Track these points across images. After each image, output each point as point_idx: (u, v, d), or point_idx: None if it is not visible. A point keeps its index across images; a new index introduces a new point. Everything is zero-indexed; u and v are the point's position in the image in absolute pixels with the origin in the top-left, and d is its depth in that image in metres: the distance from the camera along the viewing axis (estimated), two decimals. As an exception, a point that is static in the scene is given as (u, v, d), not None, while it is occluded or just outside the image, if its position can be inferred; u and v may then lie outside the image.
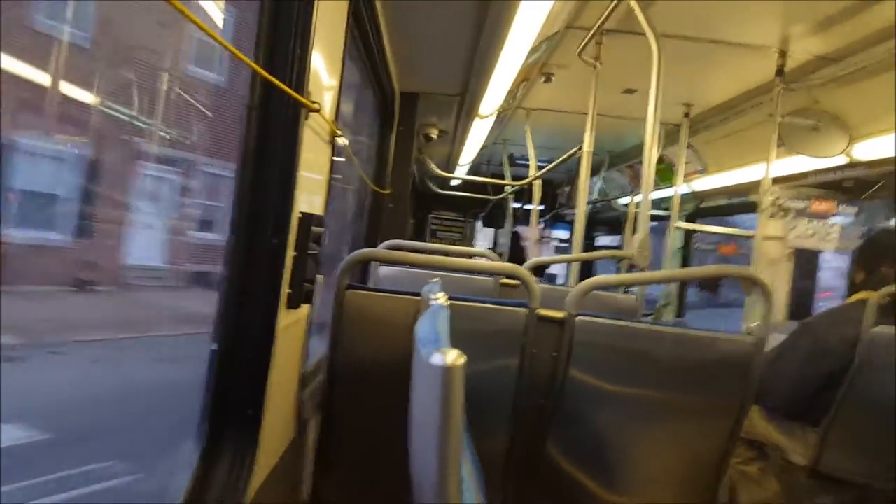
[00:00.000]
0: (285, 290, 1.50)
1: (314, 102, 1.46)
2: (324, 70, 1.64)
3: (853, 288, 2.71)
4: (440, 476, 0.64)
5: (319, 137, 1.66)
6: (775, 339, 2.76)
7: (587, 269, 8.83)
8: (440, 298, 1.36)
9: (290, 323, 1.61)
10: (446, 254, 3.33)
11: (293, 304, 1.56)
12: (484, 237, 11.36)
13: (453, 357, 0.63)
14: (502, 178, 6.85)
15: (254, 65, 1.30)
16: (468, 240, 10.27)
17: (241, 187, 1.40)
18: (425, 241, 9.20)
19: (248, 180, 1.40)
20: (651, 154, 2.71)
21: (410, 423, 0.92)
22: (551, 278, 9.69)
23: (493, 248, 10.67)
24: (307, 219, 1.55)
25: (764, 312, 1.80)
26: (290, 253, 1.50)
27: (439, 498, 0.64)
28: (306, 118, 1.45)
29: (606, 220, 8.97)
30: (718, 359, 1.81)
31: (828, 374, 2.43)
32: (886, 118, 3.25)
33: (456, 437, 0.64)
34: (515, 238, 8.95)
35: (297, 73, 1.40)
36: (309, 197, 1.60)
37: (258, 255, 1.42)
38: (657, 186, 5.76)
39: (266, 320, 1.45)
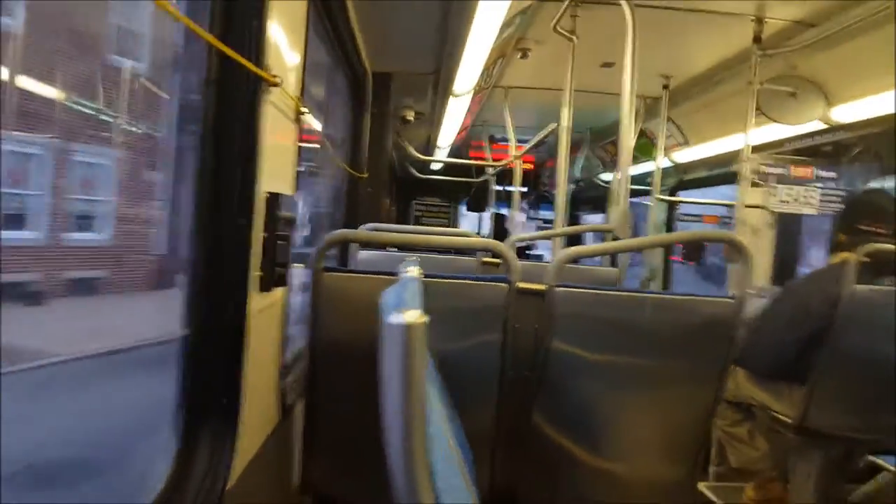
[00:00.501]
0: (256, 272, 1.47)
1: (275, 76, 1.41)
2: (284, 44, 1.59)
3: (835, 249, 2.74)
4: (405, 438, 0.63)
5: (283, 114, 1.62)
6: (760, 305, 2.79)
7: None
8: (412, 271, 1.33)
9: (265, 307, 1.58)
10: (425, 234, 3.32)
11: (265, 286, 1.53)
12: (469, 223, 11.37)
13: (414, 316, 0.62)
14: (484, 159, 6.82)
15: (208, 36, 1.26)
16: (454, 225, 10.27)
17: (202, 165, 1.35)
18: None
19: (209, 158, 1.35)
20: (628, 127, 2.70)
21: (381, 399, 0.90)
22: (540, 259, 9.70)
23: (478, 233, 10.66)
24: (274, 199, 1.51)
25: (743, 273, 1.82)
26: (259, 234, 1.46)
27: (406, 459, 0.62)
28: (267, 92, 1.41)
29: (591, 198, 8.98)
30: (699, 322, 1.82)
31: (810, 333, 2.47)
32: (863, 81, 3.26)
33: (419, 397, 0.63)
34: (498, 220, 8.94)
35: (256, 46, 1.35)
36: (275, 176, 1.56)
37: (224, 236, 1.38)
38: (639, 161, 5.76)
39: (237, 303, 1.41)
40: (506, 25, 2.97)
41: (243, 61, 1.30)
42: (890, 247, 2.42)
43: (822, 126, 3.66)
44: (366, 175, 3.82)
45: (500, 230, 7.90)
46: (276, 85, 1.42)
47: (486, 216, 10.19)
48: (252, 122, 1.37)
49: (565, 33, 3.21)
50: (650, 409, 1.89)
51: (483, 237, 9.52)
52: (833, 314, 2.39)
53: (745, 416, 2.92)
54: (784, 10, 3.06)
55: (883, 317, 2.41)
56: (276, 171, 1.57)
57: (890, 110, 3.19)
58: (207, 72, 1.34)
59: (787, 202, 3.81)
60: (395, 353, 0.62)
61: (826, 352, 2.42)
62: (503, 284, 1.79)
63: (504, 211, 9.59)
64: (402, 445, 0.62)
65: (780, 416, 2.66)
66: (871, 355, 2.44)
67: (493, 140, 7.13)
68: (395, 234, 2.00)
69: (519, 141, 5.61)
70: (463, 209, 10.87)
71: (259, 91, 1.37)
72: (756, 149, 3.71)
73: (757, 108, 3.46)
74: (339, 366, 1.80)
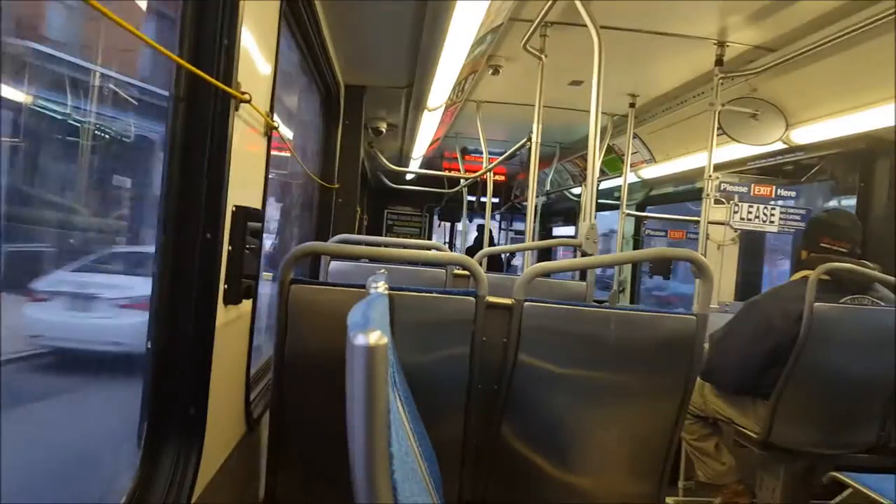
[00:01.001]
0: (222, 285, 1.47)
1: (244, 93, 1.43)
2: (255, 60, 1.61)
3: (797, 266, 2.81)
4: (367, 458, 0.64)
5: (253, 129, 1.64)
6: (725, 320, 2.87)
7: (545, 260, 8.92)
8: (380, 287, 1.35)
9: (231, 319, 1.59)
10: (396, 247, 3.33)
11: (231, 299, 1.54)
12: (441, 235, 11.40)
13: (376, 337, 0.63)
14: (457, 170, 6.87)
15: (176, 58, 1.27)
16: (426, 234, 10.28)
17: (169, 181, 1.36)
18: (382, 237, 9.18)
19: (177, 174, 1.36)
20: (595, 144, 2.75)
21: (347, 418, 0.91)
22: (515, 271, 9.76)
23: (450, 243, 10.69)
24: (242, 212, 1.53)
25: (704, 291, 1.85)
26: (226, 248, 1.47)
27: (368, 479, 0.64)
28: (237, 109, 1.43)
29: (562, 210, 9.09)
30: (662, 337, 1.85)
31: (773, 348, 2.54)
32: (821, 104, 3.38)
33: (381, 418, 0.64)
34: (480, 231, 8.98)
35: (225, 64, 1.37)
36: (244, 190, 1.57)
37: (191, 251, 1.38)
38: (607, 176, 5.86)
39: (202, 317, 1.42)
40: (477, 43, 3.02)
41: (212, 80, 1.31)
42: (849, 265, 2.49)
43: (783, 146, 3.77)
44: (337, 186, 3.83)
45: (479, 241, 7.93)
46: (246, 101, 1.44)
47: (459, 226, 10.24)
48: (221, 138, 1.38)
49: (535, 52, 3.28)
50: (616, 422, 1.91)
51: (456, 247, 9.61)
52: (795, 330, 2.46)
53: (712, 431, 2.97)
54: (745, 34, 3.16)
55: (844, 334, 2.50)
56: (244, 185, 1.58)
57: (846, 132, 3.31)
58: (176, 88, 1.35)
59: (749, 220, 3.91)
60: (358, 374, 0.63)
61: (789, 367, 2.49)
62: (471, 298, 1.81)
63: (480, 221, 9.65)
64: (365, 465, 0.64)
65: (746, 431, 2.71)
66: (833, 372, 2.52)
67: (465, 152, 7.19)
68: (365, 246, 1.99)
69: (491, 153, 5.68)
70: (435, 220, 10.89)
71: (229, 108, 1.39)
72: (719, 167, 3.81)
73: (719, 128, 3.56)
74: (306, 379, 1.79)
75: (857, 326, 2.51)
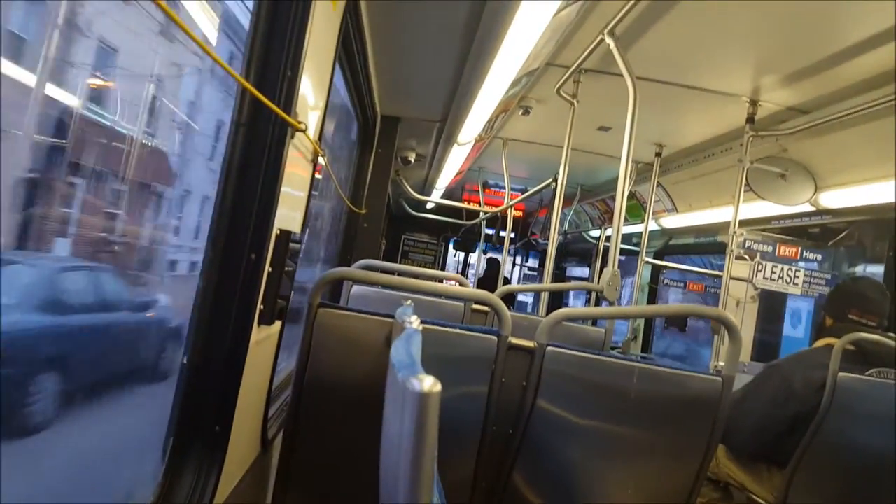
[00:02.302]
0: (258, 306, 1.51)
1: (300, 122, 1.49)
2: (311, 91, 1.67)
3: (819, 333, 2.76)
4: (412, 499, 0.64)
5: (303, 156, 1.69)
6: (741, 380, 2.81)
7: (557, 299, 8.93)
8: (414, 322, 1.38)
9: (262, 339, 1.61)
10: (418, 276, 3.35)
11: (266, 320, 1.56)
12: (454, 265, 11.43)
13: (430, 384, 0.64)
14: (476, 203, 6.93)
15: (244, 82, 1.33)
16: (440, 263, 10.31)
17: (222, 202, 1.41)
18: (397, 262, 9.22)
19: (230, 195, 1.41)
20: (623, 190, 2.76)
21: (382, 447, 0.93)
22: (521, 306, 9.76)
23: (463, 272, 10.72)
24: (285, 235, 1.57)
25: (732, 352, 1.82)
26: (266, 269, 1.51)
27: None
28: (292, 137, 1.48)
29: (577, 251, 9.11)
30: (686, 396, 1.81)
31: (793, 416, 2.46)
32: (853, 169, 3.37)
33: (429, 465, 0.64)
34: (491, 264, 9.00)
35: (287, 94, 1.43)
36: (288, 214, 1.62)
37: (235, 270, 1.42)
38: (627, 222, 5.88)
39: (239, 336, 1.44)
40: (513, 84, 3.09)
41: (275, 108, 1.37)
42: (876, 337, 2.41)
43: (810, 208, 3.74)
44: (364, 211, 3.89)
45: (494, 276, 7.95)
46: (302, 131, 1.49)
47: (473, 257, 10.25)
48: (276, 164, 1.43)
49: (567, 97, 3.33)
50: (631, 480, 1.86)
51: (469, 277, 9.60)
52: (816, 398, 2.38)
53: (722, 496, 2.89)
54: (778, 95, 3.18)
55: (868, 407, 2.39)
56: (289, 210, 1.62)
57: (877, 200, 3.29)
58: (238, 114, 1.41)
59: (773, 279, 3.88)
60: (408, 420, 0.63)
61: (809, 437, 2.41)
62: (493, 337, 1.80)
63: (494, 254, 9.67)
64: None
65: (758, 500, 2.62)
66: (854, 445, 2.41)
67: (486, 185, 7.25)
68: (390, 275, 2.02)
69: (512, 189, 5.73)
70: (450, 248, 10.95)
71: (286, 136, 1.44)
72: (743, 223, 3.78)
73: (746, 185, 3.54)
74: (325, 403, 1.79)
75: (881, 400, 2.39)
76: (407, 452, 0.64)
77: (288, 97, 1.43)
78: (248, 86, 1.31)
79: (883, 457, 2.41)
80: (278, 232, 1.54)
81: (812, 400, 2.41)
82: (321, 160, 1.89)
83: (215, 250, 1.42)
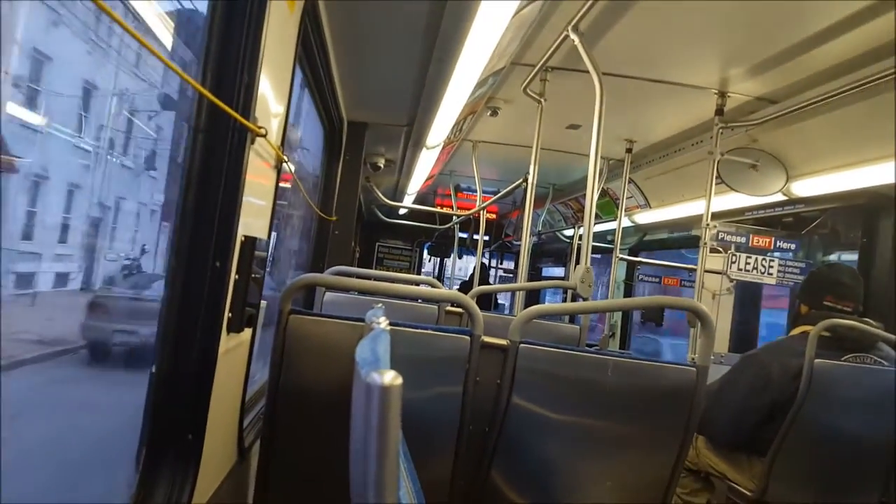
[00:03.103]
0: (226, 314, 1.49)
1: (261, 127, 1.47)
2: (271, 96, 1.65)
3: (795, 321, 2.79)
4: (377, 498, 0.64)
5: (265, 162, 1.67)
6: (719, 372, 2.81)
7: (534, 300, 8.94)
8: (382, 323, 1.36)
9: (232, 347, 1.59)
10: (392, 281, 3.34)
11: (234, 328, 1.55)
12: (430, 270, 11.43)
13: (390, 378, 0.63)
14: (450, 206, 6.93)
15: (201, 88, 1.31)
16: (415, 269, 10.30)
17: (184, 210, 1.39)
18: (372, 269, 9.19)
19: (192, 202, 1.39)
20: (594, 187, 2.77)
21: (350, 447, 0.92)
22: (502, 309, 9.77)
23: (438, 277, 10.72)
24: (250, 242, 1.55)
25: (705, 342, 1.83)
26: (232, 276, 1.49)
27: None
28: (252, 142, 1.46)
29: (552, 251, 9.14)
30: (661, 387, 1.82)
31: (770, 404, 2.49)
32: (824, 157, 3.40)
33: (393, 459, 0.64)
34: (484, 270, 9.02)
35: (244, 98, 1.41)
36: (253, 220, 1.60)
37: (200, 278, 1.40)
38: (600, 220, 5.92)
39: (207, 344, 1.43)
40: (479, 85, 3.08)
41: (233, 114, 1.35)
42: (851, 322, 2.45)
43: (783, 198, 3.78)
44: (335, 218, 3.86)
45: (484, 278, 7.95)
46: (262, 136, 1.47)
47: (448, 262, 10.26)
48: (237, 170, 1.41)
49: (535, 95, 3.34)
50: (609, 473, 1.87)
51: (444, 282, 9.60)
52: (793, 386, 2.41)
53: (703, 486, 2.91)
54: (747, 86, 3.21)
55: (845, 392, 2.43)
56: (254, 216, 1.60)
57: (847, 187, 3.32)
58: (196, 120, 1.39)
59: (747, 270, 3.91)
60: (370, 416, 0.63)
61: (787, 424, 2.43)
62: (466, 337, 1.80)
63: (470, 258, 9.66)
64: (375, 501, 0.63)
65: (739, 488, 2.64)
66: (832, 431, 2.44)
67: (458, 189, 7.26)
68: (361, 280, 2.00)
69: (484, 192, 5.74)
70: (425, 254, 10.95)
71: (245, 141, 1.42)
72: (716, 216, 3.80)
73: (718, 177, 3.56)
74: (299, 410, 1.78)
75: (857, 385, 2.44)
76: (371, 448, 0.63)
77: (246, 102, 1.41)
78: (203, 90, 1.29)
79: (861, 441, 2.46)
80: (243, 239, 1.52)
81: (789, 388, 2.44)
82: (290, 166, 1.87)
83: (179, 259, 1.40)
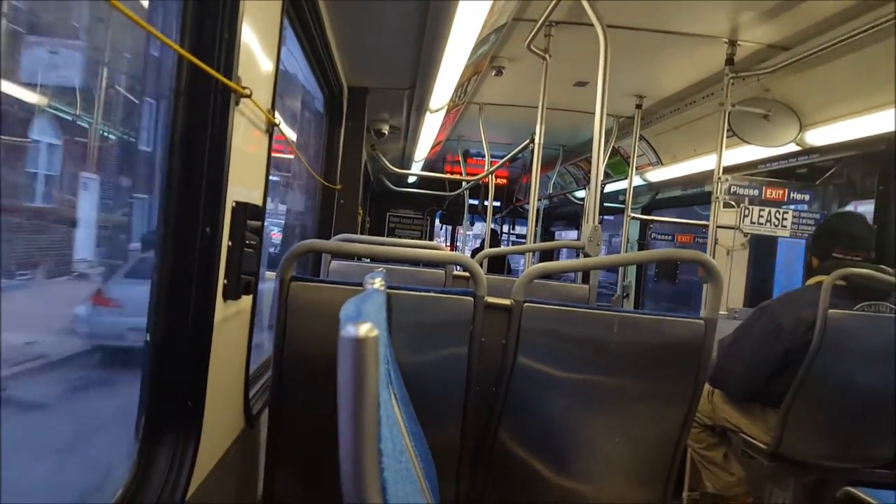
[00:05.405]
0: (221, 281, 1.47)
1: (245, 88, 1.42)
2: (257, 56, 1.60)
3: (809, 273, 2.74)
4: (355, 452, 0.62)
5: (254, 126, 1.63)
6: (733, 327, 2.80)
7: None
8: (376, 283, 1.33)
9: (231, 315, 1.58)
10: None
11: (231, 295, 1.53)
12: (444, 239, 11.43)
13: (366, 329, 0.62)
14: (459, 173, 6.87)
15: (177, 47, 1.26)
16: (427, 237, 10.31)
17: (169, 174, 1.36)
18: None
19: (178, 168, 1.36)
20: (600, 144, 2.71)
21: (338, 408, 0.91)
22: (516, 274, 9.74)
23: (451, 246, 10.73)
24: (242, 208, 1.52)
25: (713, 294, 1.80)
26: (225, 243, 1.46)
27: (356, 476, 0.62)
28: (237, 104, 1.42)
29: (565, 214, 9.08)
30: (669, 341, 1.80)
31: (783, 353, 2.46)
32: (837, 105, 3.30)
33: (371, 412, 0.63)
34: (495, 235, 8.97)
35: (226, 57, 1.36)
36: (244, 186, 1.57)
37: (190, 245, 1.38)
38: (612, 179, 5.83)
39: (201, 310, 1.41)
40: (480, 43, 3.01)
41: (213, 73, 1.31)
42: (867, 271, 2.40)
43: (796, 148, 3.69)
44: (339, 187, 3.83)
45: (495, 244, 7.93)
46: (246, 96, 1.43)
47: (461, 230, 10.23)
48: (221, 133, 1.38)
49: (539, 52, 3.26)
50: (618, 428, 1.86)
51: (458, 249, 9.60)
52: (807, 336, 2.38)
53: (720, 440, 2.90)
54: (757, 33, 3.11)
55: (859, 342, 2.39)
56: (245, 182, 1.57)
57: (862, 134, 3.23)
58: (177, 82, 1.34)
59: (761, 224, 3.84)
60: (347, 367, 0.62)
61: (800, 376, 2.40)
62: (469, 298, 1.79)
63: (480, 225, 9.63)
64: (353, 460, 0.62)
65: (754, 441, 2.63)
66: (846, 382, 2.41)
67: (468, 155, 7.19)
68: (363, 244, 1.98)
69: (494, 156, 5.67)
70: (437, 223, 10.94)
71: (229, 102, 1.38)
72: (729, 170, 3.73)
73: (729, 130, 3.49)
74: (305, 376, 1.78)
75: (873, 335, 2.40)
76: (349, 403, 0.62)
77: (228, 60, 1.36)
78: (179, 49, 1.25)
79: (876, 391, 2.42)
80: (234, 204, 1.49)
81: (802, 337, 2.40)
82: (285, 129, 1.83)
83: (167, 225, 1.37)
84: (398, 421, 1.04)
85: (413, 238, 10.01)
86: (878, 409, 2.45)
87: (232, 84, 1.36)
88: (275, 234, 4.31)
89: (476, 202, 8.78)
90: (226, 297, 1.51)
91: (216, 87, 1.36)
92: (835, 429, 2.52)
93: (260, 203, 1.72)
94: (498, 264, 7.96)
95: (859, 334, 2.41)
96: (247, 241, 1.56)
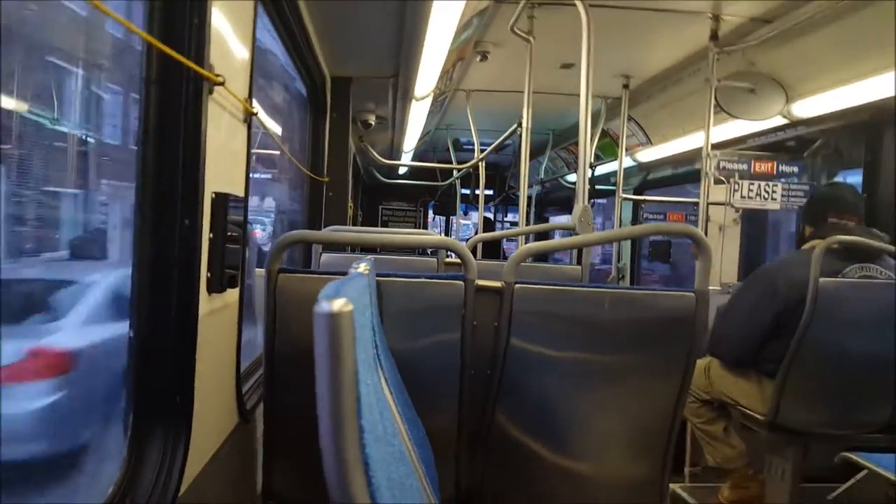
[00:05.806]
0: (204, 273, 1.44)
1: (219, 76, 1.39)
2: (230, 43, 1.57)
3: (801, 241, 2.78)
4: (334, 429, 0.61)
5: (230, 115, 1.60)
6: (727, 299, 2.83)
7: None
8: (360, 267, 1.31)
9: (217, 308, 1.56)
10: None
11: (215, 288, 1.51)
12: (438, 229, 11.41)
13: (340, 304, 0.61)
14: (450, 163, 6.83)
15: (146, 35, 1.23)
16: (421, 228, 10.29)
17: (143, 165, 1.33)
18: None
19: (151, 158, 1.33)
20: (586, 124, 2.69)
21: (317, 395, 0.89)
22: None
23: (445, 235, 10.70)
24: (222, 199, 1.49)
25: (702, 267, 1.79)
26: (206, 235, 1.44)
27: (336, 454, 0.61)
28: (210, 92, 1.38)
29: (558, 199, 9.05)
30: (661, 316, 1.80)
31: (776, 316, 2.49)
32: (822, 75, 3.30)
33: (349, 391, 0.62)
34: (488, 223, 8.94)
35: (197, 45, 1.33)
36: (223, 177, 1.54)
37: (169, 237, 1.35)
38: (602, 161, 5.81)
39: (184, 304, 1.39)
40: (463, 27, 2.97)
41: (183, 60, 1.28)
42: (857, 238, 2.46)
43: (783, 121, 3.69)
44: (327, 179, 3.80)
45: (489, 231, 7.92)
46: (219, 84, 1.40)
47: (454, 219, 10.21)
48: (195, 122, 1.35)
49: (522, 34, 3.22)
50: (614, 405, 1.86)
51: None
52: (799, 300, 2.40)
53: (719, 414, 2.93)
54: (740, 7, 3.09)
55: (851, 309, 2.43)
56: (224, 172, 1.54)
57: (848, 103, 3.23)
58: (147, 71, 1.31)
59: (751, 198, 3.84)
60: (322, 343, 0.61)
61: (794, 344, 2.42)
62: (459, 282, 1.78)
63: (475, 215, 9.60)
64: (332, 436, 0.61)
65: (752, 413, 2.65)
66: (840, 348, 2.44)
67: (457, 144, 7.16)
68: (352, 233, 1.96)
69: (483, 143, 5.63)
70: (431, 213, 10.91)
71: (202, 90, 1.35)
72: (718, 146, 3.74)
73: (716, 105, 3.48)
74: (297, 368, 1.75)
75: (864, 301, 2.44)
76: (325, 378, 0.61)
77: (199, 47, 1.33)
78: (147, 36, 1.21)
79: (870, 358, 2.45)
80: (213, 195, 1.46)
81: (796, 300, 2.43)
82: (266, 119, 1.80)
83: (144, 218, 1.35)
84: (390, 405, 1.02)
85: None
86: (873, 374, 2.49)
87: (203, 71, 1.33)
88: (256, 233, 4.28)
89: (468, 191, 8.76)
90: (210, 291, 1.49)
91: (187, 74, 1.33)
92: (831, 396, 2.55)
93: (241, 194, 1.69)
94: (493, 252, 7.95)
95: (851, 301, 2.44)
96: (229, 234, 1.53)
